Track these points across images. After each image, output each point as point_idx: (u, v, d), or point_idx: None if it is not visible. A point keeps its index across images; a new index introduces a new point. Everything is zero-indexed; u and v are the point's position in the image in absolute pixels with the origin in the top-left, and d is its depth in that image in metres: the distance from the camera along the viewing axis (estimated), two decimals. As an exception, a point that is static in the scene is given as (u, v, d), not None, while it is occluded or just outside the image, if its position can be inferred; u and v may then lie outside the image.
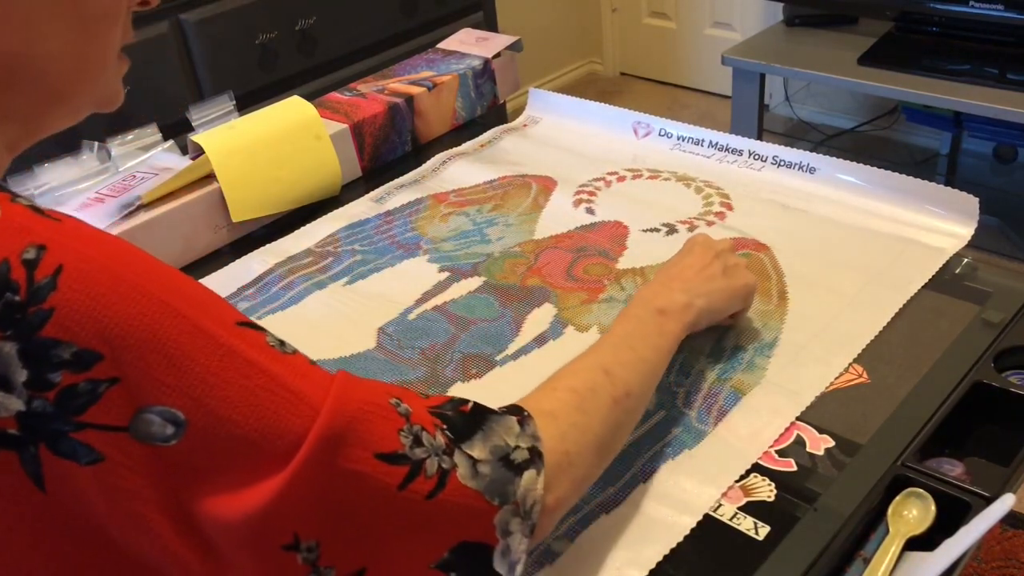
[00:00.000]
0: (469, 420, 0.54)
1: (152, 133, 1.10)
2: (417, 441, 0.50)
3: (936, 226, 0.93)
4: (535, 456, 0.55)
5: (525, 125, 1.26)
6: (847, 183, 1.01)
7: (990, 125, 2.29)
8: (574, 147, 1.18)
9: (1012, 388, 0.73)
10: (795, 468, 0.69)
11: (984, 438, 0.72)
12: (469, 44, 1.34)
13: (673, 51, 3.27)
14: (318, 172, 1.10)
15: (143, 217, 0.97)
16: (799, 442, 0.71)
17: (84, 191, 1.01)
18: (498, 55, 1.30)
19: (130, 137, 1.08)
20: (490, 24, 2.36)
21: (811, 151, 1.05)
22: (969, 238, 0.92)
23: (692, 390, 0.77)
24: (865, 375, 0.77)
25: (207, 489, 0.44)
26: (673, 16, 3.22)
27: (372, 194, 1.12)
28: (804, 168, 1.04)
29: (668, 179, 1.08)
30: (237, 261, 1.01)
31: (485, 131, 1.24)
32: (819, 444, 0.71)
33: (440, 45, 1.37)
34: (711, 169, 1.09)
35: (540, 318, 0.88)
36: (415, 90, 1.22)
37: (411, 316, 0.90)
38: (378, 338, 0.87)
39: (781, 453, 0.70)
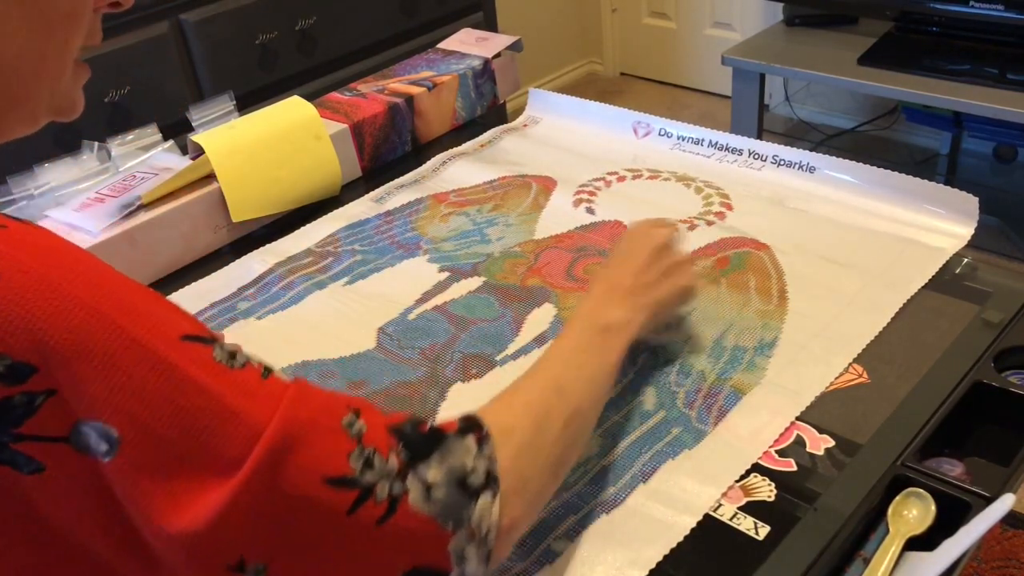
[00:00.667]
0: (427, 440, 0.52)
1: (152, 133, 1.10)
2: (368, 464, 0.48)
3: (936, 226, 0.93)
4: (491, 480, 0.53)
5: (525, 125, 1.26)
6: (847, 183, 1.01)
7: (990, 125, 2.29)
8: (574, 147, 1.18)
9: (1012, 388, 0.73)
10: (795, 468, 0.69)
11: (984, 438, 0.72)
12: (469, 44, 1.34)
13: (673, 51, 3.27)
14: (318, 172, 1.10)
15: (143, 217, 0.97)
16: (799, 442, 0.71)
17: (84, 191, 1.01)
18: (498, 55, 1.30)
19: (130, 137, 1.08)
20: (490, 24, 2.36)
21: (811, 151, 1.05)
22: (969, 238, 0.91)
23: (692, 390, 0.77)
24: (865, 375, 0.77)
25: (148, 504, 0.43)
26: (673, 16, 3.22)
27: (372, 194, 1.12)
28: (804, 167, 1.04)
29: (668, 179, 1.08)
30: (237, 261, 1.01)
31: (485, 131, 1.24)
32: (819, 444, 0.71)
33: (440, 45, 1.37)
34: (711, 169, 1.09)
35: (540, 318, 0.87)
36: (415, 90, 1.22)
37: (411, 316, 0.90)
38: (378, 338, 0.87)
39: (781, 453, 0.70)
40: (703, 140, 1.13)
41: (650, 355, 0.80)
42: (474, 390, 0.80)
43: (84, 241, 0.93)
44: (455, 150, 1.19)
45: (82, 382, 0.42)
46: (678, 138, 1.15)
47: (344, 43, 2.04)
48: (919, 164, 2.62)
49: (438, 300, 0.91)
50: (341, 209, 1.10)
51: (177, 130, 1.14)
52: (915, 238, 0.93)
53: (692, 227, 0.98)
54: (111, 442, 0.42)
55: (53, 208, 0.99)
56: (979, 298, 0.84)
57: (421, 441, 0.52)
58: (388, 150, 1.20)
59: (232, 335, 0.89)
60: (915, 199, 0.96)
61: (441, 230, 1.03)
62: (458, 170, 1.15)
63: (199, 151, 1.04)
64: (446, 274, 0.95)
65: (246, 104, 1.23)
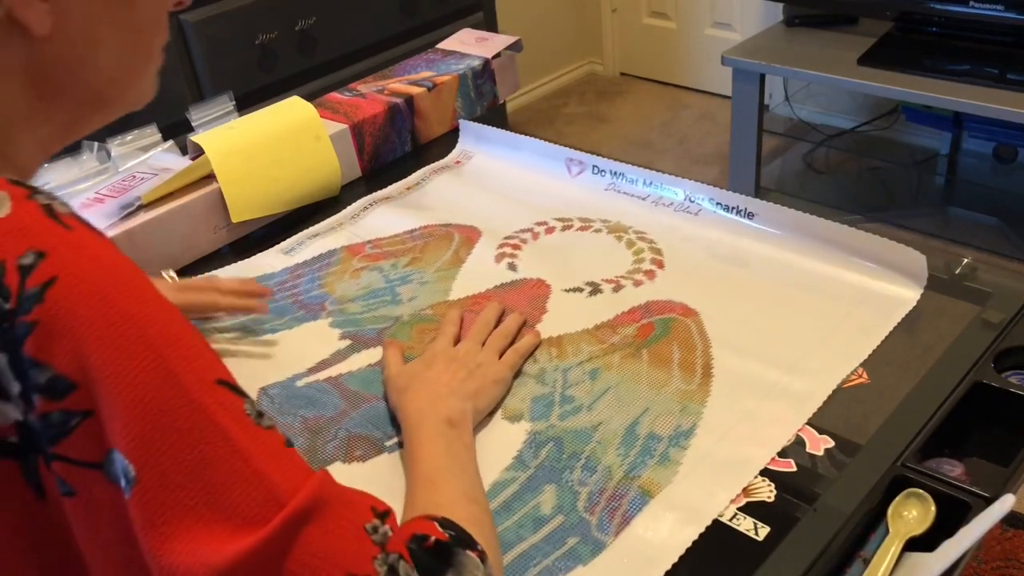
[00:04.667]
0: (437, 558, 0.51)
1: (152, 133, 1.10)
2: (392, 571, 0.46)
3: (883, 289, 0.86)
4: None
5: (458, 162, 1.19)
6: (785, 236, 0.94)
7: (990, 125, 2.29)
8: (504, 189, 1.11)
9: (1012, 388, 0.73)
10: (795, 468, 0.69)
11: (984, 438, 0.72)
12: (469, 44, 1.34)
13: (673, 51, 3.28)
14: (318, 172, 1.10)
15: (143, 217, 0.97)
16: (799, 442, 0.71)
17: (84, 191, 1.01)
18: (498, 55, 1.30)
19: (130, 137, 1.08)
20: (490, 24, 2.36)
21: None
22: (916, 301, 0.84)
23: (596, 490, 0.69)
24: (865, 375, 0.77)
25: (154, 544, 0.41)
26: (673, 16, 3.22)
27: (283, 244, 1.04)
28: (742, 212, 0.97)
29: (600, 230, 1.01)
30: None
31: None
32: (819, 444, 0.71)
33: (440, 45, 1.37)
34: (645, 217, 1.02)
35: None
36: (415, 90, 1.22)
37: (299, 383, 0.82)
38: (259, 397, 0.80)
39: (781, 453, 0.70)
40: (637, 179, 1.06)
41: (556, 445, 0.73)
42: (354, 473, 0.72)
43: (84, 241, 0.93)
44: (379, 193, 1.12)
45: (117, 406, 0.40)
46: (612, 175, 1.08)
47: (344, 43, 2.04)
48: (919, 164, 2.62)
49: (332, 371, 0.83)
50: (250, 260, 1.02)
51: (177, 130, 1.14)
52: (861, 300, 0.85)
53: (617, 287, 0.91)
54: (128, 479, 0.41)
55: (53, 208, 0.99)
56: (979, 298, 0.84)
57: (431, 558, 0.50)
58: (388, 150, 1.20)
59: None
60: (860, 256, 0.89)
61: (350, 288, 0.95)
62: (379, 217, 1.08)
63: (199, 151, 1.04)
64: (347, 342, 0.87)
65: (246, 104, 1.23)
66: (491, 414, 0.77)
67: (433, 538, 0.51)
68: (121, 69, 0.52)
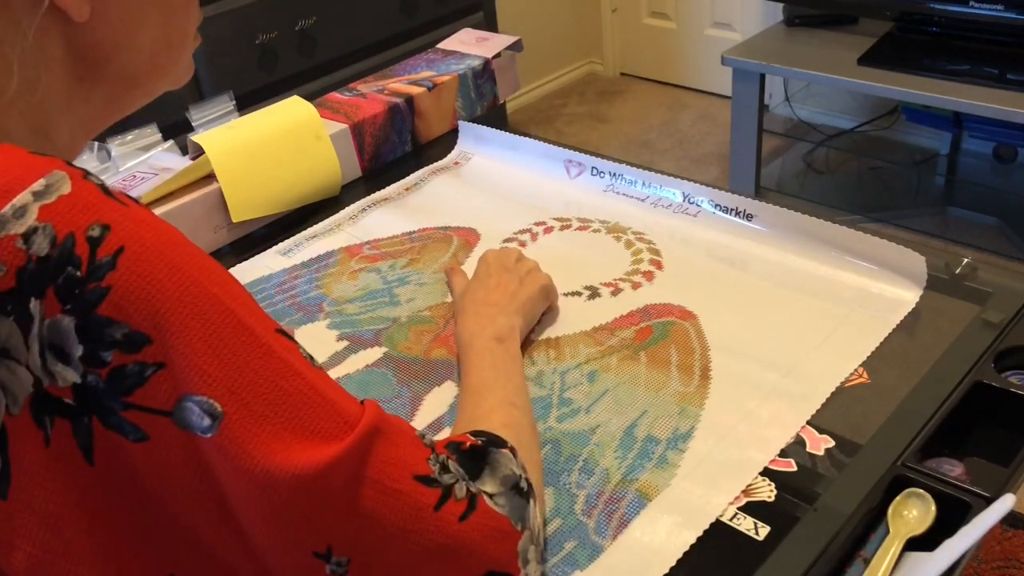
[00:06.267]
0: (474, 456, 0.56)
1: (152, 133, 1.10)
2: (444, 468, 0.52)
3: (882, 290, 0.86)
4: (530, 486, 0.58)
5: (457, 163, 1.19)
6: (785, 237, 0.94)
7: (990, 125, 2.29)
8: (503, 190, 1.11)
9: (1012, 388, 0.73)
10: (795, 468, 0.69)
11: (984, 438, 0.72)
12: (469, 44, 1.34)
13: (673, 51, 3.28)
14: (318, 172, 1.10)
15: (143, 217, 0.97)
16: (799, 442, 0.71)
17: (84, 191, 1.01)
18: (498, 55, 1.30)
19: (130, 137, 1.08)
20: (490, 24, 2.36)
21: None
22: (915, 303, 0.84)
23: (593, 493, 0.68)
24: (865, 375, 0.77)
25: (252, 459, 0.45)
26: (673, 16, 3.22)
27: (281, 245, 1.04)
28: (741, 214, 0.97)
29: (598, 230, 1.01)
30: None
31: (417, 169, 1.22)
32: (819, 444, 0.71)
33: (440, 45, 1.37)
34: (644, 218, 1.02)
35: (440, 399, 0.79)
36: (415, 90, 1.22)
37: None
38: None
39: (781, 453, 0.70)
40: (636, 180, 1.05)
41: (553, 447, 0.73)
42: None
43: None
44: (378, 195, 1.12)
45: (193, 357, 0.44)
46: (611, 176, 1.08)
47: (344, 43, 2.04)
48: (919, 164, 2.62)
49: (331, 373, 0.83)
50: (248, 263, 1.02)
51: (177, 130, 1.14)
52: (859, 303, 0.85)
53: (616, 291, 0.91)
54: (215, 416, 0.44)
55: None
56: (979, 298, 0.84)
57: (469, 458, 0.56)
58: (388, 150, 1.20)
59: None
60: (860, 257, 0.89)
61: (348, 289, 0.95)
62: (377, 218, 1.08)
63: (199, 151, 1.04)
64: (344, 343, 0.87)
65: (246, 104, 1.23)
66: None
67: (468, 443, 0.57)
68: (159, 51, 0.54)
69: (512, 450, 0.59)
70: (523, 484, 0.57)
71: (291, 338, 0.49)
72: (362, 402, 0.51)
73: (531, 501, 0.57)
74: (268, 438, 0.45)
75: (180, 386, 0.44)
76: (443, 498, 0.51)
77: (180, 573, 0.47)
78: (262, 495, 0.45)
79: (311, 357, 0.50)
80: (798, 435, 0.71)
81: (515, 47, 1.32)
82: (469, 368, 0.74)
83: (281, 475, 0.45)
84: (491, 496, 0.54)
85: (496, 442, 0.58)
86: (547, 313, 0.88)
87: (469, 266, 0.97)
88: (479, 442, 0.57)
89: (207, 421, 0.44)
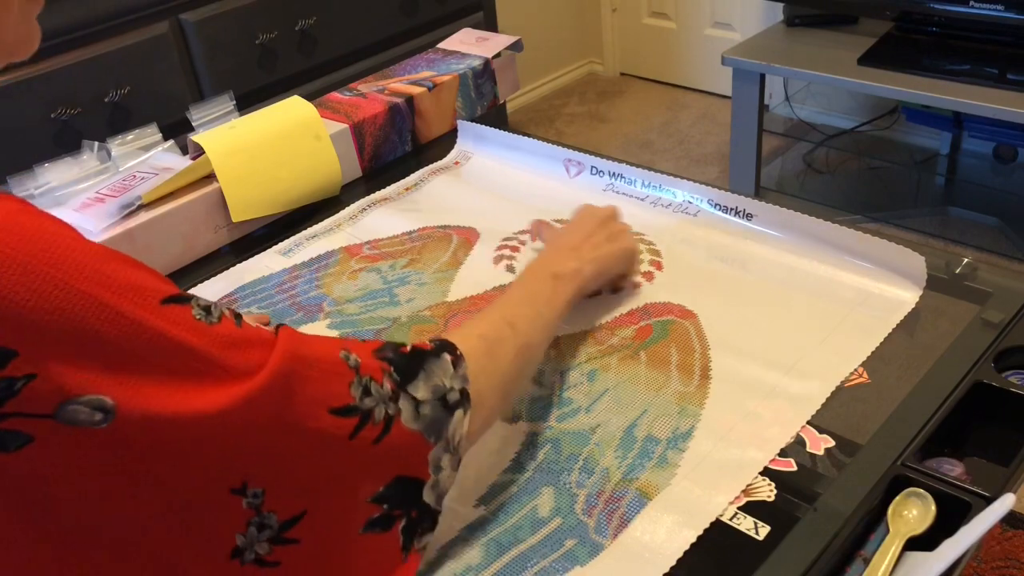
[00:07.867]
0: (411, 361, 0.58)
1: (152, 133, 1.10)
2: (367, 391, 0.53)
3: (882, 290, 0.86)
4: (464, 396, 0.60)
5: (457, 163, 1.19)
6: (787, 238, 0.94)
7: (990, 125, 2.29)
8: (503, 190, 1.11)
9: (1012, 388, 0.73)
10: (795, 468, 0.69)
11: (984, 438, 0.72)
12: (469, 44, 1.34)
13: (673, 51, 3.28)
14: (318, 172, 1.10)
15: (143, 217, 0.97)
16: (799, 442, 0.71)
17: (84, 191, 1.01)
18: (498, 55, 1.30)
19: (130, 137, 1.08)
20: (490, 24, 2.36)
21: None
22: (915, 303, 0.84)
23: (593, 492, 0.68)
24: (865, 375, 0.77)
25: (160, 415, 0.45)
26: (673, 16, 3.22)
27: (280, 245, 1.04)
28: (741, 214, 0.97)
29: None
30: None
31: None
32: (819, 444, 0.71)
33: (440, 45, 1.37)
34: (644, 218, 1.01)
35: None
36: (415, 90, 1.22)
37: None
38: None
39: (781, 453, 0.70)
40: (636, 180, 1.06)
41: (553, 447, 0.73)
42: None
43: (84, 241, 0.93)
44: (378, 195, 1.12)
45: (68, 361, 0.43)
46: (611, 176, 1.08)
47: (344, 43, 2.04)
48: (919, 164, 2.62)
49: None
50: (248, 262, 1.02)
51: (177, 130, 1.14)
52: (859, 303, 0.85)
53: (616, 290, 0.90)
54: (106, 410, 0.44)
55: (53, 208, 0.99)
56: (979, 298, 0.84)
57: (407, 362, 0.57)
58: (388, 150, 1.20)
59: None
60: (859, 257, 0.89)
61: (348, 289, 0.95)
62: (377, 218, 1.08)
63: (199, 151, 1.04)
64: None
65: (246, 104, 1.23)
66: None
67: (409, 347, 0.58)
68: None
69: (457, 359, 0.60)
70: (452, 396, 0.59)
71: (183, 300, 0.48)
72: (277, 330, 0.51)
73: (456, 413, 0.59)
74: (166, 400, 0.45)
75: (60, 391, 0.43)
76: (359, 425, 0.52)
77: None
78: (177, 445, 0.46)
79: (207, 311, 0.49)
80: (798, 435, 0.72)
81: (515, 47, 1.32)
82: (511, 286, 0.77)
83: (187, 421, 0.45)
84: (418, 404, 0.56)
85: (444, 349, 0.60)
86: (622, 281, 0.90)
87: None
88: (430, 345, 0.60)
89: (98, 416, 0.43)
